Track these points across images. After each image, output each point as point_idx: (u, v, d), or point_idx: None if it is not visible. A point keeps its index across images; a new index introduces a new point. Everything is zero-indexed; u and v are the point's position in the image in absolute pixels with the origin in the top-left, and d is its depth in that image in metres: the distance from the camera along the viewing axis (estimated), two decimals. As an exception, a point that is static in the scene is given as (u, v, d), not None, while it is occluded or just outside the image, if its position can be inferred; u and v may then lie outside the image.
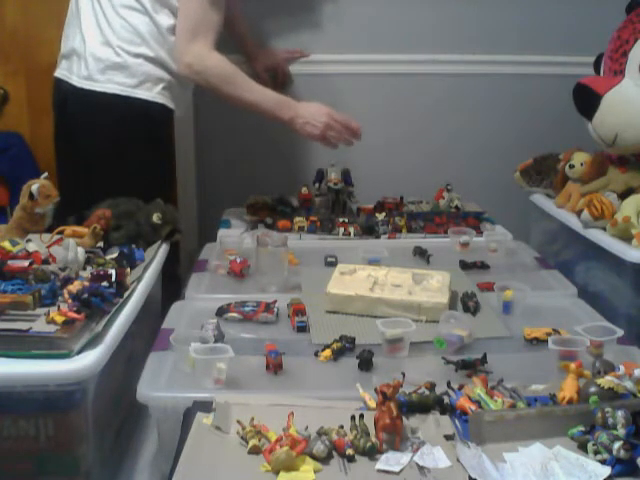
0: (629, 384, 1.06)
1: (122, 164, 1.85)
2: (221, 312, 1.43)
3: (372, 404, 1.06)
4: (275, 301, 1.45)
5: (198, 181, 2.51)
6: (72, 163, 1.90)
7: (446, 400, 1.09)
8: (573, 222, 1.79)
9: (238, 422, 1.01)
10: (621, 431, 0.96)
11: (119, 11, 1.83)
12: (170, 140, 2.03)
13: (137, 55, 1.84)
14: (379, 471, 0.94)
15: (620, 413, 0.97)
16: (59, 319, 1.16)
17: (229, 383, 1.14)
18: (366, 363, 1.22)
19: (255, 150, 2.45)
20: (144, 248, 1.58)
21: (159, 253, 1.59)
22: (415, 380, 1.12)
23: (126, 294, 1.31)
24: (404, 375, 1.09)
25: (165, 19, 1.83)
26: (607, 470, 0.93)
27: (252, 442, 0.97)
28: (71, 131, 1.91)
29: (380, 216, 2.00)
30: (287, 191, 2.18)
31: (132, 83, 1.84)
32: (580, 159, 1.88)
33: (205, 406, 1.07)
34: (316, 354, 1.27)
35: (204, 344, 1.19)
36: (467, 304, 1.48)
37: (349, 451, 0.96)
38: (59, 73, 1.92)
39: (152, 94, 1.87)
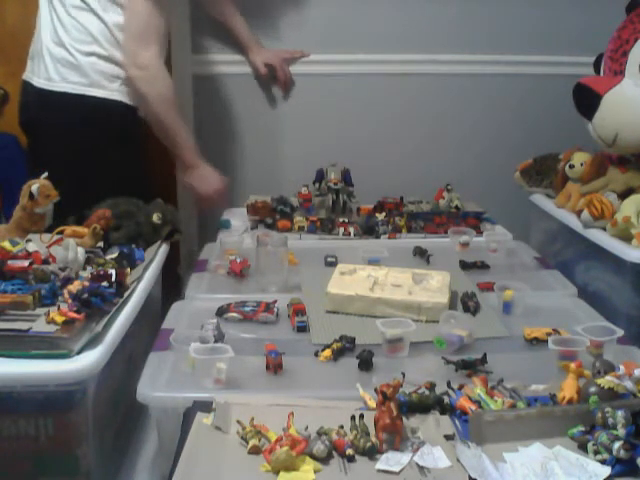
0: (629, 384, 1.06)
1: (85, 164, 1.84)
2: (221, 312, 1.43)
3: (372, 404, 1.06)
4: (275, 301, 1.45)
5: (198, 181, 2.51)
6: (39, 163, 1.89)
7: (446, 400, 1.09)
8: (573, 222, 1.79)
9: (238, 422, 1.01)
10: (621, 431, 0.96)
11: (69, 11, 1.84)
12: (137, 137, 2.02)
13: (89, 54, 1.84)
14: (379, 471, 0.94)
15: (620, 413, 0.97)
16: (59, 319, 1.16)
17: (229, 383, 1.14)
18: (366, 363, 1.22)
19: (255, 150, 2.45)
20: (144, 248, 1.58)
21: (159, 253, 1.59)
22: (415, 380, 1.12)
23: (126, 294, 1.31)
24: (404, 375, 1.09)
25: (114, 17, 1.83)
26: (607, 470, 0.93)
27: (252, 442, 0.97)
28: (34, 132, 1.91)
29: (380, 216, 2.00)
30: (287, 191, 2.18)
31: (86, 82, 1.85)
32: (580, 159, 1.88)
33: (205, 406, 1.07)
34: (316, 354, 1.27)
35: (204, 344, 1.19)
36: (467, 304, 1.48)
37: (349, 451, 0.96)
38: (25, 76, 1.94)
39: (107, 92, 1.87)
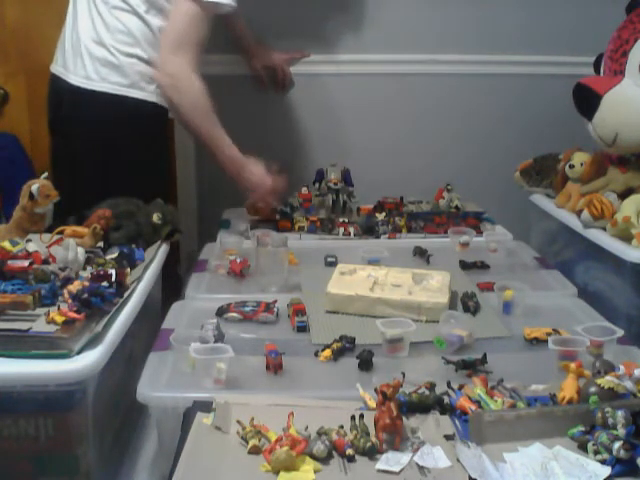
0: (629, 384, 1.06)
1: (116, 163, 1.85)
2: (221, 312, 1.43)
3: (372, 404, 1.06)
4: (275, 301, 1.45)
5: (198, 181, 2.51)
6: (67, 162, 1.90)
7: (446, 400, 1.09)
8: (573, 222, 1.79)
9: (238, 422, 1.01)
10: (621, 431, 0.96)
11: (113, 12, 1.83)
12: (166, 140, 2.03)
13: (130, 55, 1.84)
14: (379, 471, 0.94)
15: (620, 413, 0.97)
16: (59, 319, 1.16)
17: (229, 383, 1.15)
18: (366, 363, 1.22)
19: (255, 150, 2.45)
20: (144, 248, 1.58)
21: (159, 253, 1.59)
22: (415, 380, 1.12)
23: (126, 294, 1.31)
24: (404, 375, 1.09)
25: (157, 21, 1.83)
26: (607, 470, 0.93)
27: (252, 442, 0.97)
28: (66, 129, 1.91)
29: (380, 216, 2.00)
30: (287, 191, 2.18)
31: (126, 83, 1.84)
32: (580, 159, 1.88)
33: (205, 406, 1.07)
34: (316, 354, 1.27)
35: (204, 344, 1.19)
36: (467, 304, 1.48)
37: (349, 451, 0.96)
38: (55, 69, 1.92)
39: (145, 93, 1.86)
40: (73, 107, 1.88)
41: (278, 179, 1.98)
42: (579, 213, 1.73)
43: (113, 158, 1.84)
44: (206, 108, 1.84)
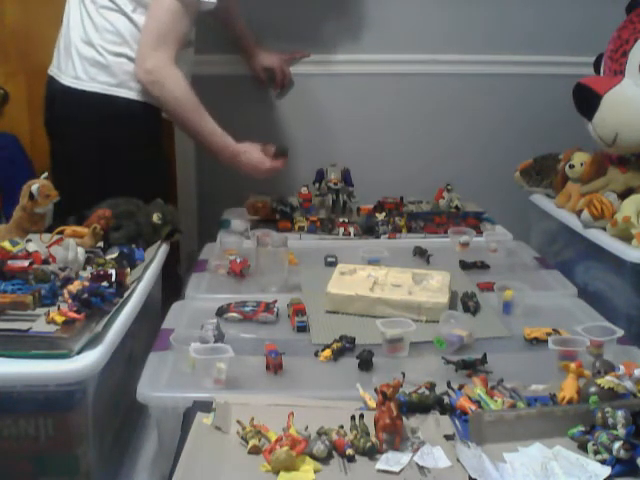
0: (629, 384, 1.06)
1: (112, 163, 1.84)
2: (221, 312, 1.43)
3: (372, 404, 1.06)
4: (275, 301, 1.45)
5: (198, 181, 2.51)
6: (64, 162, 1.90)
7: (446, 400, 1.09)
8: (573, 222, 1.79)
9: (238, 422, 1.01)
10: (621, 431, 0.96)
11: (100, 11, 1.83)
12: (160, 139, 2.02)
13: (118, 54, 1.84)
14: (379, 471, 0.94)
15: (620, 413, 0.97)
16: (59, 319, 1.16)
17: (229, 383, 1.15)
18: (366, 363, 1.22)
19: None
20: (144, 248, 1.58)
21: (159, 253, 1.59)
22: (415, 380, 1.12)
23: (126, 294, 1.31)
24: (404, 375, 1.09)
25: (144, 20, 1.82)
26: (607, 470, 0.93)
27: (252, 442, 0.97)
28: (60, 130, 1.91)
29: (380, 216, 2.00)
30: (287, 191, 2.18)
31: (114, 82, 1.84)
32: (580, 159, 1.88)
33: (205, 406, 1.07)
34: (316, 354, 1.27)
35: (204, 344, 1.19)
36: (467, 304, 1.48)
37: (349, 451, 0.96)
38: (51, 71, 1.93)
39: (134, 93, 1.86)
40: (65, 107, 1.88)
41: (276, 161, 1.97)
42: (579, 213, 1.73)
43: (108, 158, 1.84)
44: (191, 101, 1.84)
